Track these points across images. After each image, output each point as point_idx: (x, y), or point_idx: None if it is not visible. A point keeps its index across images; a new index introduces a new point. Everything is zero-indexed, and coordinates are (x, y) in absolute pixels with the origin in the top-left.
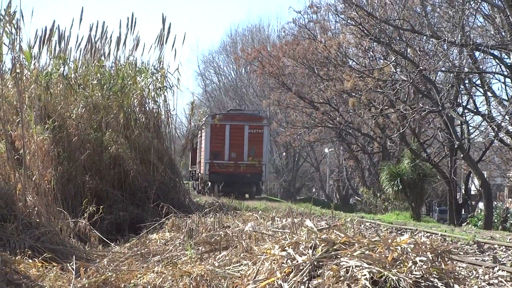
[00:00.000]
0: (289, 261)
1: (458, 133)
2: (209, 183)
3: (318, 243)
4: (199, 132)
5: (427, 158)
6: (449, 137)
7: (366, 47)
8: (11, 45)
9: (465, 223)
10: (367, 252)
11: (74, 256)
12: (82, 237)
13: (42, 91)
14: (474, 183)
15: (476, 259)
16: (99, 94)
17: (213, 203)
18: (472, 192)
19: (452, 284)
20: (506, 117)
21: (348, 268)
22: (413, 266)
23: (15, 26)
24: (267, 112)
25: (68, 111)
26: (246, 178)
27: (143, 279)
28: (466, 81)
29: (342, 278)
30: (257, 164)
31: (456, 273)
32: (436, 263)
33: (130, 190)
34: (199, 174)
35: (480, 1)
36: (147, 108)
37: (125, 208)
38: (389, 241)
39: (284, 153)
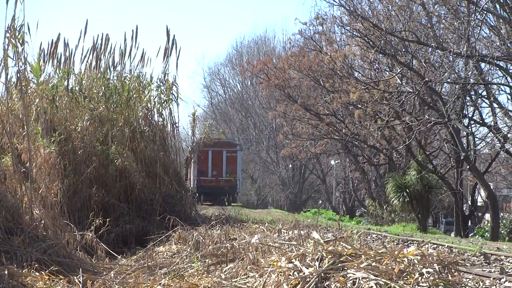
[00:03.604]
0: (295, 273)
1: (464, 145)
2: (197, 194)
3: (324, 255)
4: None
5: (433, 169)
6: (455, 149)
7: (372, 59)
8: (16, 58)
9: (471, 234)
10: (373, 264)
11: (81, 269)
12: (89, 250)
13: (48, 104)
14: (480, 194)
15: (483, 270)
16: (104, 106)
17: (220, 216)
18: (479, 204)
19: None
20: None
21: (354, 280)
22: (420, 278)
23: (20, 40)
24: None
25: (73, 124)
26: (225, 190)
27: None
28: (472, 93)
29: None
30: (233, 180)
31: (463, 285)
32: (443, 274)
33: (136, 202)
34: (190, 188)
35: (485, 12)
36: (153, 120)
37: (131, 221)
38: (396, 252)
39: (290, 165)
